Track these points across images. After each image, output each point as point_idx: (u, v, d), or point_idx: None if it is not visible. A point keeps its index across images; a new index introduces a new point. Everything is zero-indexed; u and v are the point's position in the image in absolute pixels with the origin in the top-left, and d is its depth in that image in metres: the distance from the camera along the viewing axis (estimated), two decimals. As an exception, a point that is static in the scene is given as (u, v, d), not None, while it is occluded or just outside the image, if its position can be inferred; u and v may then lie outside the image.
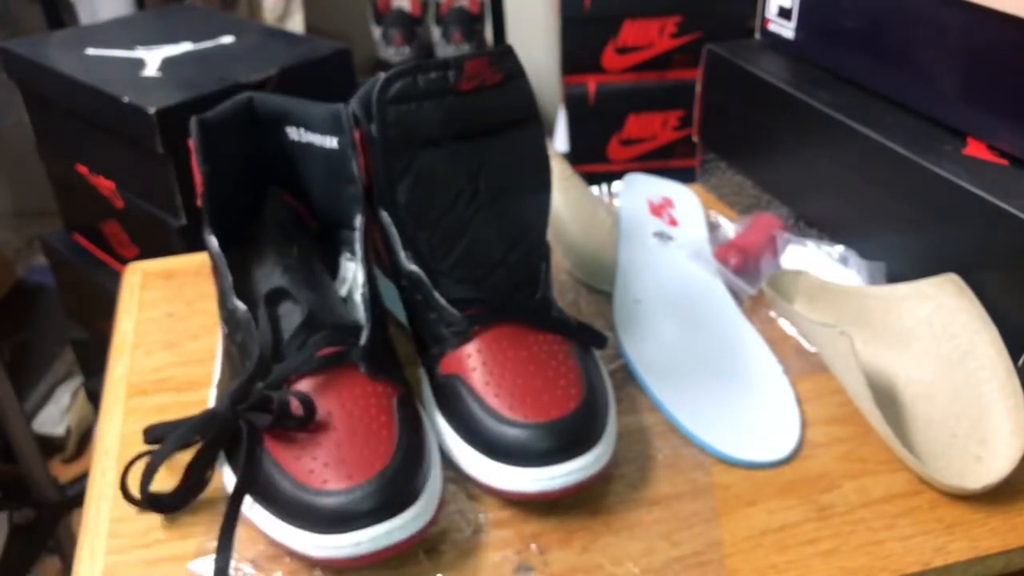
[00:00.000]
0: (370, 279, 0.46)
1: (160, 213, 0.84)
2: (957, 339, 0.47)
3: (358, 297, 0.47)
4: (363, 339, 0.43)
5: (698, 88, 0.72)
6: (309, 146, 0.49)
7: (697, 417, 0.47)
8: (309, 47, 0.91)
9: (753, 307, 0.58)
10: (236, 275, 0.46)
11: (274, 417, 0.40)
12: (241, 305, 0.44)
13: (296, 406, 0.40)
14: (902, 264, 0.53)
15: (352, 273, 0.51)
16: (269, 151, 0.51)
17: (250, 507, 0.40)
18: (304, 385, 0.41)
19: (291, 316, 0.44)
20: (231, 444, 0.42)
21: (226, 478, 0.42)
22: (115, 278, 0.95)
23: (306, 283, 0.46)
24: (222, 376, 0.48)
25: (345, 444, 0.39)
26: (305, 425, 0.40)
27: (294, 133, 0.50)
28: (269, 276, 0.47)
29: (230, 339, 0.45)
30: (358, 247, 0.47)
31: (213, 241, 0.47)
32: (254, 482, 0.40)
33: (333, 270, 0.52)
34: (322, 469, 0.38)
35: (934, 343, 0.48)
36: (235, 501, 0.39)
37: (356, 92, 0.48)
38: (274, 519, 0.39)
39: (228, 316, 0.45)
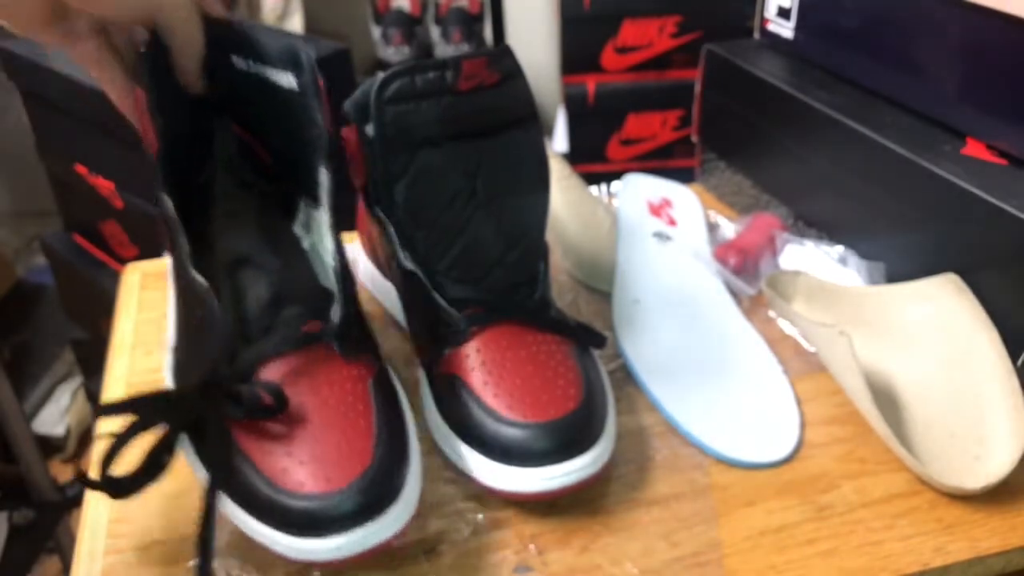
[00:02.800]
0: (339, 248, 0.43)
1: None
2: (957, 339, 0.47)
3: (329, 260, 0.43)
4: (336, 316, 0.41)
5: (697, 88, 0.72)
6: (260, 79, 0.44)
7: (696, 417, 0.47)
8: (309, 47, 0.91)
9: (752, 307, 0.58)
10: (191, 237, 0.41)
11: (244, 410, 0.37)
12: (201, 280, 0.40)
13: (266, 396, 0.38)
14: (902, 264, 0.53)
15: (316, 223, 0.46)
16: (216, 82, 0.45)
17: (225, 504, 0.38)
18: (274, 370, 0.39)
19: (257, 286, 0.41)
20: (197, 431, 0.39)
21: (197, 470, 0.40)
22: (115, 278, 0.95)
23: (270, 245, 0.43)
24: (179, 341, 0.43)
25: (321, 441, 0.37)
26: (276, 415, 0.38)
27: (241, 63, 0.44)
28: (229, 240, 0.43)
29: (188, 311, 0.41)
30: (325, 212, 0.43)
31: (168, 204, 0.42)
32: (226, 479, 0.37)
33: (291, 214, 0.48)
34: (297, 468, 0.36)
35: (934, 343, 0.48)
36: (209, 500, 0.36)
37: (355, 92, 0.48)
38: (248, 517, 0.37)
39: (185, 287, 0.41)
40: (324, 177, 0.43)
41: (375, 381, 0.40)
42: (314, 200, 0.46)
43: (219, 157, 0.46)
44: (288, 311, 0.40)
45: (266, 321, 0.40)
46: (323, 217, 0.44)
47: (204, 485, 0.37)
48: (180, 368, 0.42)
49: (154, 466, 0.38)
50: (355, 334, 0.41)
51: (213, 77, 0.44)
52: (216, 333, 0.39)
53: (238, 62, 0.44)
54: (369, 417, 0.38)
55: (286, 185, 0.47)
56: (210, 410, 0.37)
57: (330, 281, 0.42)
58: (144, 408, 0.37)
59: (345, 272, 0.42)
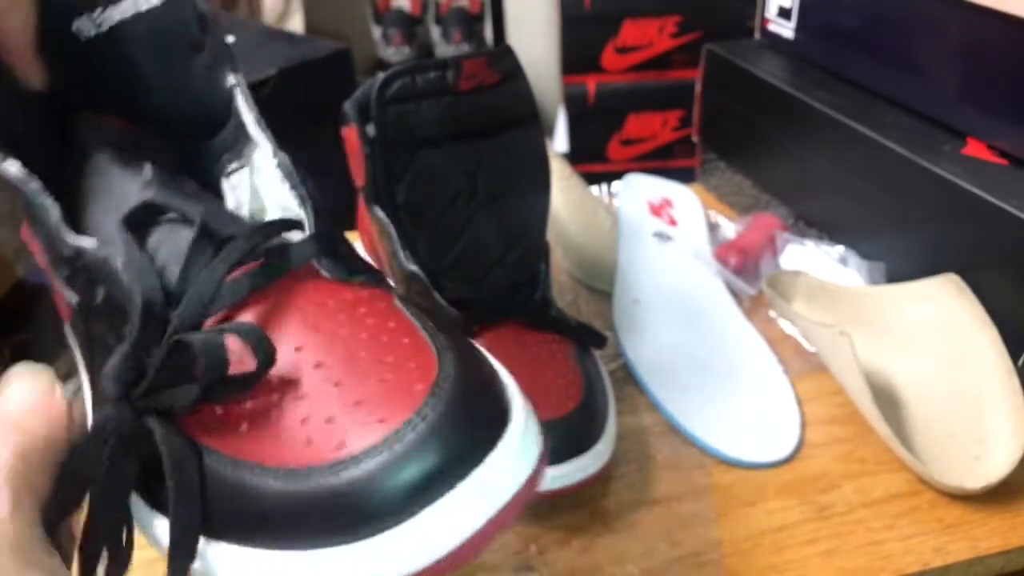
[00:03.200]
0: (296, 168, 0.31)
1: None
2: (957, 339, 0.47)
3: (272, 176, 0.31)
4: (308, 226, 0.29)
5: (698, 88, 0.72)
6: (117, 34, 0.32)
7: (697, 417, 0.47)
8: (309, 47, 0.91)
9: (753, 307, 0.58)
10: (65, 207, 0.29)
11: (203, 384, 0.23)
12: (87, 241, 0.27)
13: (237, 351, 0.24)
14: (902, 264, 0.53)
15: (251, 185, 0.32)
16: (62, 69, 0.32)
17: (219, 554, 0.23)
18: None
19: (174, 240, 0.28)
20: (144, 473, 0.24)
21: (155, 529, 0.25)
22: (115, 278, 0.95)
23: (182, 193, 0.30)
24: (89, 372, 0.31)
25: (348, 381, 0.23)
26: (257, 382, 0.24)
27: (87, 26, 0.31)
28: (121, 201, 0.29)
29: (84, 307, 0.28)
30: (243, 108, 0.31)
31: (10, 168, 0.28)
32: (199, 519, 0.23)
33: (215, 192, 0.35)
34: (325, 430, 0.22)
35: (934, 343, 0.48)
36: (177, 559, 0.23)
37: (355, 92, 0.48)
38: (265, 554, 0.22)
39: (70, 270, 0.28)
40: (235, 79, 0.32)
41: (401, 302, 0.27)
42: (236, 162, 0.33)
43: (89, 147, 0.32)
44: (233, 247, 0.27)
45: (202, 264, 0.27)
46: (257, 156, 0.32)
47: (165, 542, 0.23)
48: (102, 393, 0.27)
49: (121, 562, 0.24)
50: (346, 251, 0.29)
51: (55, 62, 0.32)
52: (130, 305, 0.26)
53: (83, 27, 0.31)
54: (415, 333, 0.25)
55: (197, 158, 0.34)
56: (146, 412, 0.24)
57: (291, 206, 0.30)
58: (64, 482, 0.23)
59: (312, 191, 0.30)
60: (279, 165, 0.31)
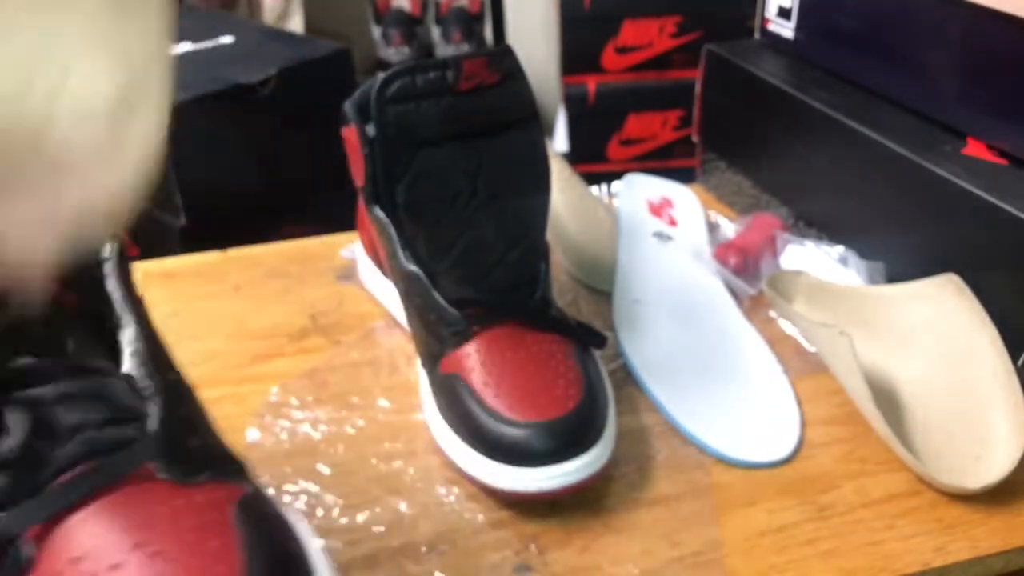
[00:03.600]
0: (142, 322, 0.30)
1: (160, 213, 0.84)
2: (957, 339, 0.47)
3: (129, 356, 0.30)
4: (152, 422, 0.27)
5: (698, 88, 0.72)
6: None
7: (696, 417, 0.47)
8: (309, 47, 0.91)
9: (753, 307, 0.58)
10: None
11: None
12: None
13: None
14: (902, 264, 0.53)
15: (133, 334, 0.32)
16: None
17: None
18: (55, 547, 0.24)
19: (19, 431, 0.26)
20: None
21: None
22: (115, 278, 0.95)
23: (45, 372, 0.28)
24: None
25: None
26: None
27: None
28: None
29: None
30: (112, 289, 0.31)
31: None
32: None
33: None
34: None
35: (934, 343, 0.48)
36: None
37: (355, 92, 0.48)
38: None
39: None
40: (108, 250, 0.33)
41: (241, 507, 0.27)
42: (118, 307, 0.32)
43: None
44: (72, 444, 0.26)
45: (33, 475, 0.26)
46: (116, 299, 0.32)
47: None
48: None
49: None
50: (195, 444, 0.28)
51: None
52: None
53: None
54: (232, 551, 0.25)
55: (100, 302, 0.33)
56: None
57: (141, 388, 0.29)
58: None
59: (158, 358, 0.30)
60: (134, 354, 0.30)
